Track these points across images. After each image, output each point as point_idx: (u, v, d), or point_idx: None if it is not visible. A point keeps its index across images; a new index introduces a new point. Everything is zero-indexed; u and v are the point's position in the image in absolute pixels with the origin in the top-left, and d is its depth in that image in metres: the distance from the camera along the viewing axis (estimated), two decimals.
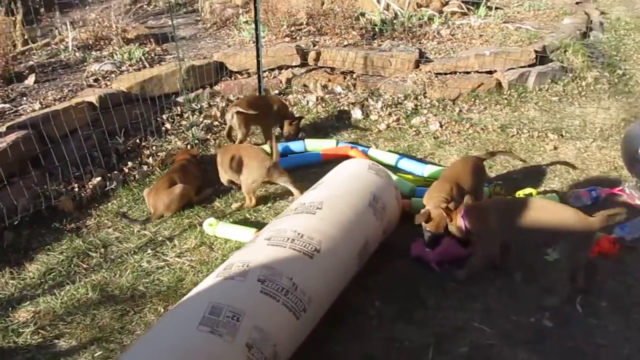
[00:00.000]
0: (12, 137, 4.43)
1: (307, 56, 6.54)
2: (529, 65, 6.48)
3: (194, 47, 7.06)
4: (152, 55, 6.55)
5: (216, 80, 6.30)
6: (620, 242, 3.85)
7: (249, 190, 4.28)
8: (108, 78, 5.87)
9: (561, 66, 6.68)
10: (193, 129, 5.41)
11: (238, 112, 4.88)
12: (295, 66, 6.53)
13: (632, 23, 8.98)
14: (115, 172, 4.71)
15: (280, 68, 6.55)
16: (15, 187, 4.13)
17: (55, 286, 3.56)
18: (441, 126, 5.57)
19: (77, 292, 3.50)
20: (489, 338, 3.12)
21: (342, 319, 3.22)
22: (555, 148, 5.16)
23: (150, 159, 4.97)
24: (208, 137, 5.45)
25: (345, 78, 6.44)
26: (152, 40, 6.87)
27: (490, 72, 6.45)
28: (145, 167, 4.86)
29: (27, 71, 5.99)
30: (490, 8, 8.15)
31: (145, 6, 8.45)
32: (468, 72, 6.43)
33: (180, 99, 5.87)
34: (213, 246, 3.93)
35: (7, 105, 5.15)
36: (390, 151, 5.08)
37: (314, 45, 6.76)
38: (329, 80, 6.37)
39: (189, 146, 5.17)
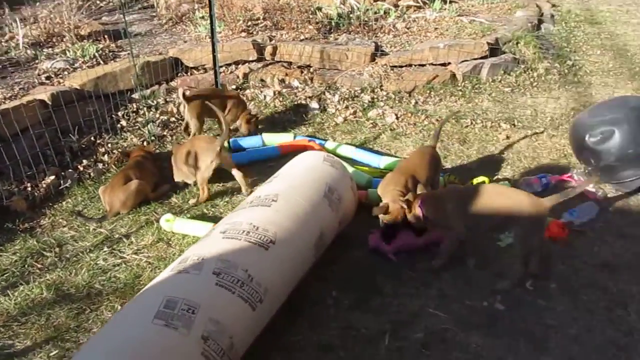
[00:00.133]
0: None
1: (263, 51, 6.55)
2: (482, 57, 6.61)
3: (149, 43, 6.99)
4: (107, 51, 6.45)
5: (172, 76, 6.25)
6: (569, 226, 3.98)
7: (203, 180, 4.27)
8: (61, 75, 5.77)
9: (513, 58, 6.83)
10: (149, 125, 5.36)
11: (185, 96, 4.88)
12: (252, 61, 6.53)
13: (582, 15, 9.25)
14: (70, 170, 4.64)
15: (237, 63, 6.54)
16: None
17: (8, 287, 3.49)
18: (397, 118, 5.65)
19: (31, 292, 3.45)
20: (443, 323, 3.20)
21: (299, 310, 3.26)
22: (508, 137, 5.28)
23: (106, 156, 4.91)
24: (165, 133, 5.41)
25: (302, 72, 6.46)
26: (106, 36, 6.76)
27: (444, 65, 6.56)
28: (100, 165, 4.80)
29: None
30: (445, 1, 8.27)
31: (98, 2, 8.31)
32: (423, 65, 6.53)
33: (135, 96, 5.81)
34: (170, 242, 3.91)
35: None
36: (347, 144, 5.13)
37: (271, 40, 6.77)
38: (286, 75, 6.38)
39: (145, 143, 5.13)
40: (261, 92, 6.13)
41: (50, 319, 3.24)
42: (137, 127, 5.43)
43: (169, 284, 2.68)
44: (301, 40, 6.82)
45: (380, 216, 3.63)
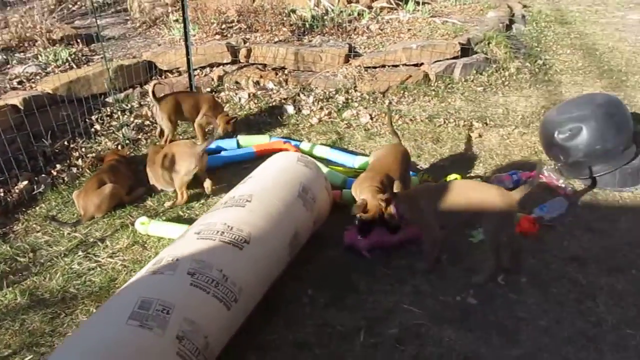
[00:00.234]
0: None
1: (238, 53, 6.56)
2: (455, 57, 6.70)
3: (123, 46, 6.96)
4: (80, 56, 6.40)
5: (146, 80, 6.23)
6: (540, 221, 4.07)
7: (182, 184, 4.28)
8: (33, 80, 5.73)
9: (485, 57, 6.93)
10: (124, 129, 5.34)
11: (155, 96, 4.89)
12: (227, 63, 6.54)
13: (553, 15, 9.41)
14: (43, 175, 4.61)
15: (211, 66, 6.55)
16: None
17: None
18: (371, 118, 5.70)
19: (4, 298, 3.42)
20: (417, 318, 3.25)
21: (275, 309, 3.28)
22: (480, 136, 5.37)
23: (80, 160, 4.88)
24: (139, 137, 5.40)
25: (277, 74, 6.49)
26: (79, 40, 6.71)
27: (417, 65, 6.63)
28: (74, 170, 4.78)
29: None
30: (418, 3, 8.35)
31: (70, 6, 8.24)
32: (396, 66, 6.60)
33: (109, 100, 5.79)
34: (146, 245, 3.91)
35: None
36: (322, 144, 5.17)
37: (245, 42, 6.78)
38: (261, 77, 6.40)
39: (119, 146, 5.12)
40: (236, 94, 6.15)
41: (25, 324, 3.23)
42: (111, 131, 5.41)
43: (144, 284, 2.69)
44: (275, 43, 6.85)
45: (359, 214, 3.67)
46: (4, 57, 6.24)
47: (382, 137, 5.35)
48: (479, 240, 3.87)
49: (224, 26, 7.28)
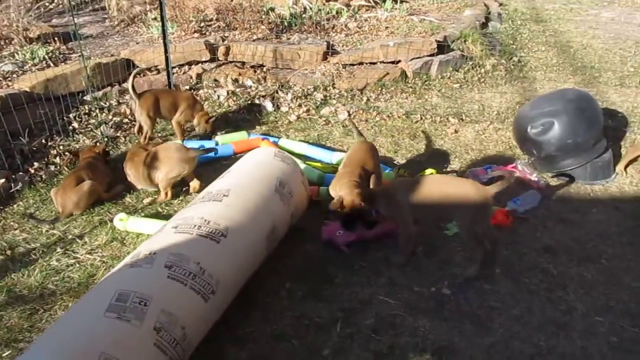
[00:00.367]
0: None
1: (216, 51, 6.58)
2: (432, 55, 6.78)
3: (101, 45, 6.93)
4: (57, 54, 6.37)
5: (124, 78, 6.22)
6: (513, 214, 4.16)
7: (168, 185, 4.30)
8: (9, 78, 5.69)
9: (462, 55, 7.02)
10: (102, 127, 5.35)
11: (135, 91, 4.90)
12: (205, 61, 6.55)
13: (528, 14, 9.55)
14: (20, 173, 4.59)
15: (190, 64, 6.56)
16: None
17: None
18: (350, 115, 5.76)
19: None
20: (393, 309, 3.32)
21: (253, 302, 3.33)
22: (456, 131, 5.45)
23: (58, 158, 4.87)
24: (118, 134, 5.40)
25: (255, 71, 6.52)
26: (56, 39, 6.67)
27: (395, 62, 6.71)
28: (52, 167, 4.77)
29: None
30: (396, 1, 8.41)
31: (47, 4, 8.18)
32: (374, 63, 6.66)
33: (87, 98, 5.78)
34: (125, 241, 3.93)
35: None
36: (301, 141, 5.22)
37: (223, 40, 6.80)
38: (240, 74, 6.43)
39: (97, 144, 5.11)
40: (215, 92, 6.17)
41: (3, 320, 3.23)
42: (89, 128, 5.40)
43: (121, 278, 2.72)
44: (254, 41, 6.88)
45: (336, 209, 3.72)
46: None
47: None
48: (454, 233, 3.96)
49: (202, 24, 7.28)
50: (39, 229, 4.07)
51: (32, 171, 4.68)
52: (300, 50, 6.63)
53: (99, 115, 5.56)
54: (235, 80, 6.37)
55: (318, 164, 4.75)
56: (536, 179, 4.55)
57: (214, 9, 7.56)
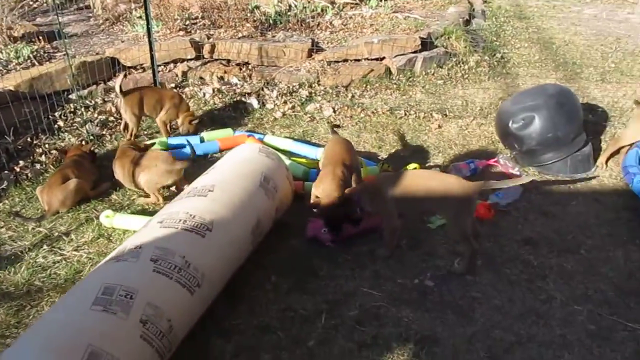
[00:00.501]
0: None
1: (202, 49, 6.60)
2: (416, 52, 6.84)
3: (86, 43, 6.93)
4: (42, 53, 6.37)
5: (110, 76, 6.24)
6: (495, 207, 4.23)
7: (152, 191, 4.32)
8: None
9: (445, 51, 7.09)
10: (87, 125, 5.36)
11: (121, 90, 4.93)
12: (191, 59, 6.58)
13: (512, 11, 9.64)
14: (6, 172, 4.59)
15: (175, 62, 6.57)
16: None
17: None
18: (334, 111, 5.81)
19: None
20: (377, 301, 3.38)
21: (239, 295, 3.38)
22: (440, 127, 5.52)
23: (43, 157, 4.88)
24: (104, 132, 5.41)
25: (241, 69, 6.55)
26: (40, 37, 6.66)
27: (379, 59, 6.76)
28: (38, 166, 4.78)
29: None
30: None
31: (31, 3, 8.16)
32: (359, 60, 6.71)
33: (72, 96, 5.78)
34: (111, 238, 3.96)
35: None
36: (286, 137, 5.27)
37: (209, 38, 6.82)
38: (225, 72, 6.46)
39: (83, 142, 5.13)
40: (200, 89, 6.20)
41: None
42: (75, 127, 5.41)
43: (107, 271, 2.76)
44: (239, 38, 6.91)
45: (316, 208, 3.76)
46: None
47: (344, 130, 5.45)
48: (437, 226, 4.02)
49: (187, 22, 7.31)
50: (25, 227, 4.08)
51: (18, 170, 4.68)
52: (286, 47, 6.67)
53: (84, 113, 5.57)
54: (221, 78, 6.40)
55: (303, 160, 4.79)
56: (518, 173, 4.62)
57: (199, 7, 7.58)
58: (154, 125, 5.47)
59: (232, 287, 3.32)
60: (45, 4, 8.33)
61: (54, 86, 5.74)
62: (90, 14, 8.15)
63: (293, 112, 5.86)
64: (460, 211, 3.52)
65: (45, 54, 6.35)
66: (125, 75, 4.95)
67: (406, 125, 5.58)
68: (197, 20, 7.44)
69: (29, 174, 4.67)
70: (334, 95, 6.20)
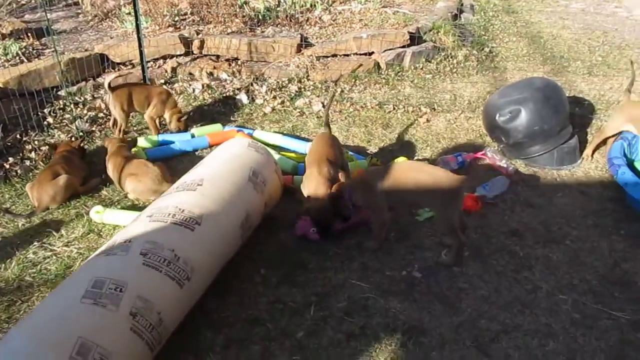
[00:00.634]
0: None
1: (191, 45, 6.61)
2: (404, 46, 6.87)
3: (75, 40, 6.94)
4: (30, 49, 6.37)
5: (99, 72, 6.24)
6: (482, 199, 4.28)
7: (138, 197, 4.35)
8: None
9: (434, 46, 7.12)
10: (77, 121, 5.36)
11: (109, 86, 4.94)
12: (180, 55, 6.59)
13: (500, 5, 9.68)
14: None
15: (164, 57, 6.59)
16: None
17: None
18: (324, 106, 5.83)
19: None
20: (365, 292, 3.42)
21: (229, 288, 3.41)
22: (428, 121, 5.56)
23: (33, 153, 4.89)
24: (93, 129, 5.42)
25: (230, 65, 6.57)
26: (29, 34, 6.66)
27: (369, 54, 6.79)
28: (27, 162, 4.79)
29: None
30: None
31: (20, 0, 8.14)
32: (348, 55, 6.74)
33: (62, 93, 5.78)
34: (101, 233, 3.98)
35: None
36: (275, 132, 5.29)
37: (198, 34, 6.84)
38: (215, 68, 6.48)
39: (73, 139, 5.13)
40: (190, 85, 6.21)
41: None
42: (64, 123, 5.42)
43: (97, 265, 2.78)
44: (228, 34, 6.92)
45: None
46: None
47: (334, 124, 5.48)
48: (425, 218, 4.06)
49: (176, 18, 7.32)
50: (15, 223, 4.10)
51: (7, 166, 4.69)
52: (275, 43, 6.69)
53: (73, 110, 5.57)
54: (210, 74, 6.42)
55: (292, 154, 4.82)
56: (505, 165, 4.67)
57: (188, 3, 7.60)
58: (143, 121, 5.47)
59: (221, 280, 3.35)
60: (33, 1, 8.30)
61: (43, 83, 5.74)
62: (79, 11, 8.14)
63: (282, 107, 5.88)
64: (448, 204, 3.56)
65: (34, 51, 6.35)
66: (117, 77, 4.96)
67: (395, 119, 5.62)
68: (186, 16, 7.46)
69: (19, 171, 4.67)
70: (323, 90, 6.23)
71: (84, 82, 6.04)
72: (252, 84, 6.24)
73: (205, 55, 6.69)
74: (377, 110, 5.79)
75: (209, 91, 6.12)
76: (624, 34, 8.13)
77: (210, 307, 3.25)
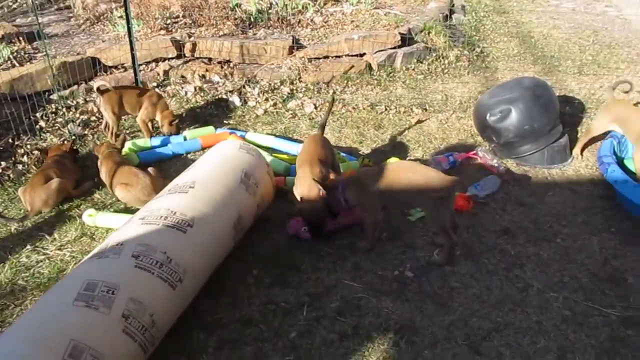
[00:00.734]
0: None
1: (183, 48, 6.62)
2: (396, 47, 6.90)
3: (66, 43, 6.93)
4: (22, 53, 6.37)
5: (91, 76, 6.24)
6: (474, 199, 4.30)
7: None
8: None
9: (425, 47, 7.15)
10: (69, 125, 5.37)
11: (99, 89, 4.95)
12: (172, 58, 6.60)
13: (491, 6, 9.72)
14: None
15: (156, 60, 6.59)
16: None
17: None
18: (316, 108, 5.86)
19: None
20: (357, 292, 3.43)
21: (221, 290, 3.42)
22: (420, 121, 5.58)
23: (25, 157, 4.89)
24: (86, 132, 5.43)
25: (222, 67, 6.59)
26: (20, 38, 6.65)
27: (360, 55, 6.81)
28: (20, 166, 4.79)
29: None
30: None
31: (11, 4, 8.13)
32: (340, 56, 6.76)
33: (54, 96, 5.78)
34: (94, 236, 3.98)
35: None
36: (268, 134, 5.31)
37: (190, 37, 6.85)
38: (207, 70, 6.49)
39: (65, 142, 5.13)
40: (182, 88, 6.22)
41: None
42: (56, 127, 5.42)
43: (89, 268, 2.79)
44: (220, 36, 6.93)
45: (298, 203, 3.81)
46: None
47: (326, 126, 5.48)
48: (417, 218, 4.09)
49: (168, 21, 7.32)
50: (8, 227, 4.10)
51: (0, 170, 4.69)
52: (267, 45, 6.70)
53: (66, 113, 5.58)
54: (203, 76, 6.43)
55: (285, 156, 4.83)
56: (496, 165, 4.70)
57: (180, 6, 7.60)
58: (135, 124, 5.48)
59: (214, 281, 3.37)
60: (24, 5, 8.29)
61: (34, 87, 5.74)
62: (71, 14, 8.13)
63: (275, 109, 5.90)
64: (440, 204, 3.58)
65: (26, 55, 6.34)
66: (104, 85, 4.99)
67: (387, 120, 5.64)
68: (178, 19, 7.45)
69: (11, 175, 4.67)
70: (316, 92, 6.25)
71: (76, 86, 6.04)
72: (244, 86, 6.26)
73: (198, 58, 6.70)
74: (369, 111, 5.81)
75: (202, 94, 6.13)
76: (614, 33, 8.19)
77: (203, 309, 3.26)
